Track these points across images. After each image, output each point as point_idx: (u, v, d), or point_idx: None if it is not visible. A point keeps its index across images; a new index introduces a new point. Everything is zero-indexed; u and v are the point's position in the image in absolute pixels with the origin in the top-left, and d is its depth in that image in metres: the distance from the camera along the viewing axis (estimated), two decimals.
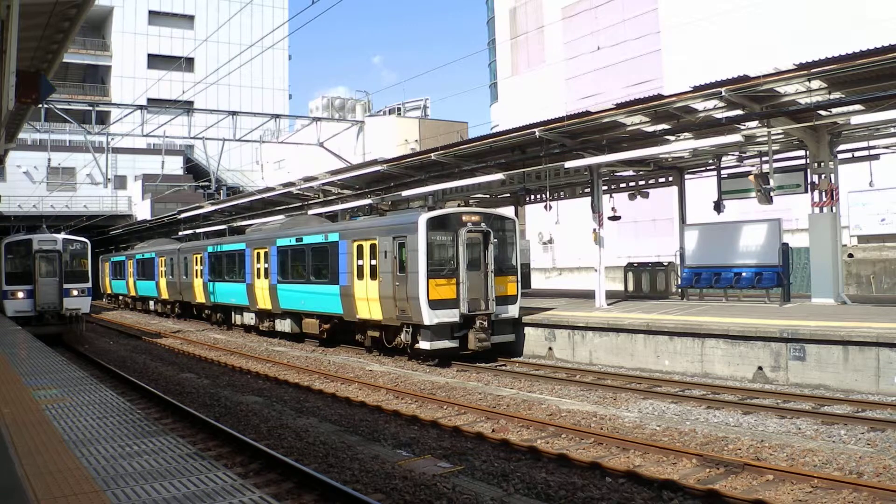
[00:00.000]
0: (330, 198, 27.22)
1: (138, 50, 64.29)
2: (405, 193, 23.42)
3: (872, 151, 18.70)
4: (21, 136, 20.14)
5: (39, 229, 27.66)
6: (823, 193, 17.21)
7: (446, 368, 16.30)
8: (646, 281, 23.11)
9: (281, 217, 28.17)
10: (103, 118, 48.64)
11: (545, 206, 21.16)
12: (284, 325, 22.65)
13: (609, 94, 35.21)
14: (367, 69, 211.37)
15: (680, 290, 21.52)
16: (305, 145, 35.80)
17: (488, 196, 26.04)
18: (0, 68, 8.73)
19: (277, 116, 36.54)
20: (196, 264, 29.91)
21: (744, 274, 19.17)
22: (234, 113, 31.22)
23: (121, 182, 54.50)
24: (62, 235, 26.31)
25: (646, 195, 22.30)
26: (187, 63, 60.07)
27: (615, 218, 21.54)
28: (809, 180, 17.55)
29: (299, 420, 11.25)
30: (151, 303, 37.44)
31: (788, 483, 7.55)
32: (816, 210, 17.50)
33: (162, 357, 20.40)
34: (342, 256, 19.03)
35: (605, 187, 20.79)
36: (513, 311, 17.35)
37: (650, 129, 16.73)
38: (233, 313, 26.95)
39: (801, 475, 7.60)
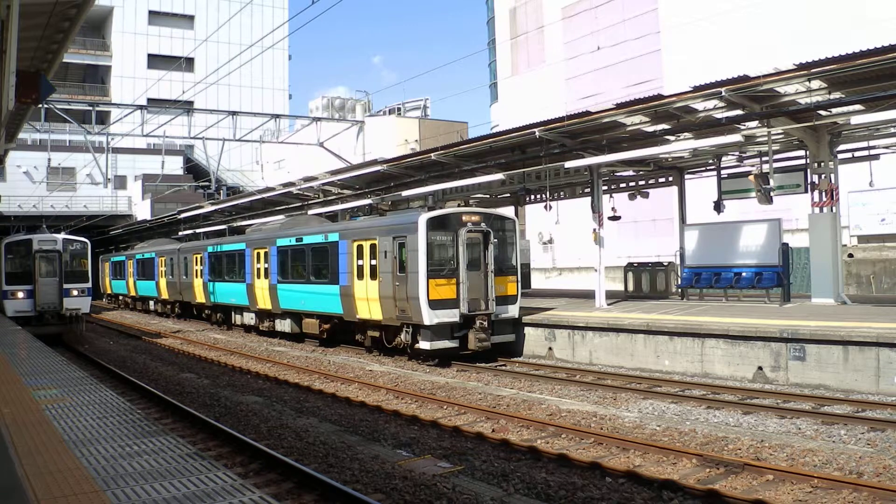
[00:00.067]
0: (330, 198, 27.22)
1: (138, 50, 64.30)
2: (405, 193, 23.42)
3: (872, 151, 18.70)
4: (21, 136, 20.14)
5: (39, 229, 27.66)
6: (823, 193, 17.21)
7: (446, 368, 16.30)
8: (646, 281, 23.12)
9: (281, 217, 28.17)
10: (103, 118, 48.65)
11: (545, 206, 21.16)
12: (284, 325, 22.65)
13: (609, 94, 35.21)
14: (367, 69, 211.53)
15: (680, 290, 21.52)
16: (305, 145, 35.81)
17: (488, 196, 26.05)
18: (0, 68, 8.73)
19: (277, 116, 36.55)
20: (196, 264, 29.92)
21: (744, 274, 19.17)
22: (234, 113, 31.23)
23: (121, 182, 54.51)
24: (62, 235, 26.31)
25: (646, 195, 22.30)
26: (187, 63, 60.07)
27: (615, 218, 21.54)
28: (809, 180, 17.55)
29: (299, 420, 11.25)
30: (151, 303, 37.45)
31: (788, 483, 7.55)
32: (816, 210, 17.50)
33: (162, 357, 20.40)
34: (342, 256, 19.03)
35: (605, 187, 20.79)
36: (513, 311, 17.35)
37: (650, 129, 16.73)
38: (233, 313, 26.95)
39: (801, 475, 7.60)
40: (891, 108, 13.19)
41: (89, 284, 25.63)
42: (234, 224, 34.49)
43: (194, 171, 59.15)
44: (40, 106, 25.19)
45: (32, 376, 10.71)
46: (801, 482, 7.50)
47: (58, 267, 24.63)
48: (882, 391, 11.58)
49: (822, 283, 17.36)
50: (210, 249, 28.33)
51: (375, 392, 13.65)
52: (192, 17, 66.71)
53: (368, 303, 17.89)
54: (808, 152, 17.56)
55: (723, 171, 20.12)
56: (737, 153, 19.20)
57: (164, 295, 34.75)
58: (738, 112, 15.07)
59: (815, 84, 13.83)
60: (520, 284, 17.70)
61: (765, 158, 17.13)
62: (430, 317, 15.89)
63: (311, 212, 27.41)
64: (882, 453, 8.44)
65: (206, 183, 43.76)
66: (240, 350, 20.84)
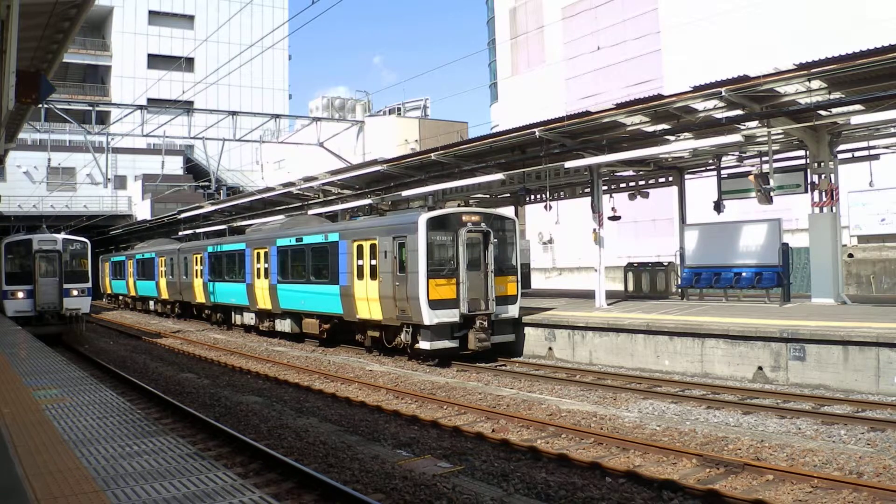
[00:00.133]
0: (330, 198, 27.22)
1: (138, 50, 64.31)
2: (405, 193, 23.42)
3: (872, 151, 18.70)
4: (21, 136, 20.14)
5: (39, 229, 27.66)
6: (823, 193, 17.21)
7: (446, 368, 16.30)
8: (646, 281, 23.12)
9: (281, 217, 28.17)
10: (103, 118, 48.66)
11: (545, 206, 21.16)
12: (284, 325, 22.65)
13: (609, 94, 35.24)
14: (367, 69, 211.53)
15: (680, 290, 21.52)
16: (305, 145, 35.76)
17: (488, 196, 26.04)
18: (0, 68, 8.73)
19: (277, 116, 36.48)
20: (196, 264, 29.92)
21: (744, 274, 19.17)
22: (234, 113, 31.18)
23: (121, 182, 54.51)
24: (62, 235, 26.31)
25: (646, 195, 22.30)
26: (187, 63, 60.08)
27: (615, 218, 21.54)
28: (809, 180, 17.55)
29: (299, 420, 11.25)
30: (151, 303, 37.45)
31: (788, 483, 7.55)
32: (816, 210, 17.50)
33: (162, 357, 20.40)
34: (342, 256, 19.03)
35: (605, 187, 20.79)
36: (513, 311, 17.35)
37: (650, 129, 16.72)
38: (233, 313, 26.95)
39: (801, 475, 7.60)
40: (891, 108, 13.19)
41: (89, 284, 25.63)
42: (234, 224, 34.49)
43: (194, 171, 59.15)
44: (40, 106, 25.17)
45: (32, 376, 10.71)
46: (801, 482, 7.50)
47: (58, 267, 24.64)
48: (882, 391, 11.58)
49: (822, 283, 17.36)
50: (210, 249, 28.34)
51: (375, 392, 13.65)
52: (192, 17, 66.71)
53: (368, 303, 17.89)
54: (808, 152, 17.56)
55: (723, 171, 20.12)
56: (737, 153, 19.19)
57: (164, 295, 34.75)
58: (738, 112, 15.07)
59: (815, 84, 13.83)
60: (520, 284, 17.70)
61: (765, 158, 17.13)
62: (430, 317, 15.89)
63: (311, 212, 27.41)
64: (882, 453, 8.43)
65: (206, 183, 43.73)
66: (240, 350, 20.84)
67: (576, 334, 16.58)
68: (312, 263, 20.82)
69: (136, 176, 55.45)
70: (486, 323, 16.38)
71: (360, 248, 18.34)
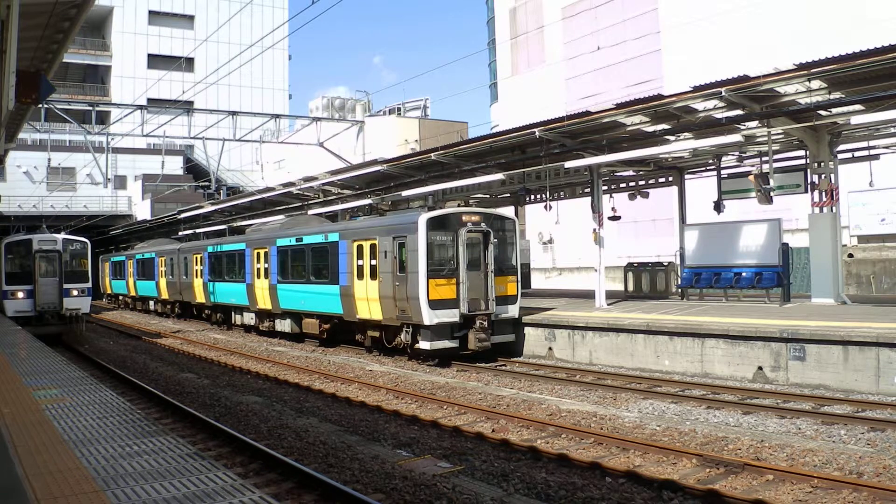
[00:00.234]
0: (330, 198, 27.22)
1: (138, 50, 64.31)
2: (405, 193, 23.42)
3: (872, 151, 18.70)
4: (21, 136, 20.14)
5: (39, 229, 27.66)
6: (823, 193, 17.21)
7: (446, 368, 16.30)
8: (646, 281, 23.12)
9: (281, 217, 28.17)
10: (103, 118, 48.66)
11: (545, 206, 21.16)
12: (284, 325, 22.65)
13: (609, 94, 35.24)
14: (367, 69, 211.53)
15: (680, 290, 21.52)
16: (305, 145, 35.76)
17: (488, 196, 26.04)
18: (0, 68, 8.73)
19: (277, 116, 36.48)
20: (196, 264, 29.92)
21: (744, 274, 19.17)
22: (234, 113, 31.18)
23: (121, 182, 54.51)
24: (62, 235, 26.31)
25: (646, 195, 22.30)
26: (187, 63, 60.07)
27: (615, 218, 21.54)
28: (809, 180, 17.55)
29: (299, 420, 11.25)
30: (151, 303, 37.45)
31: (788, 483, 7.55)
32: (816, 210, 17.50)
33: (162, 357, 20.40)
34: (342, 256, 19.03)
35: (605, 187, 20.79)
36: (513, 311, 17.35)
37: (650, 129, 16.72)
38: (233, 313, 26.95)
39: (801, 475, 7.60)
40: (891, 108, 13.19)
41: (89, 284, 25.63)
42: (234, 224, 34.49)
43: (194, 171, 59.14)
44: (40, 106, 25.17)
45: (32, 376, 10.71)
46: (801, 482, 7.50)
47: (58, 267, 24.64)
48: (882, 391, 11.58)
49: (822, 283, 17.36)
50: (210, 249, 28.34)
51: (375, 392, 13.65)
52: (192, 17, 66.72)
53: (368, 303, 17.89)
54: (808, 152, 17.56)
55: (723, 171, 20.12)
56: (737, 153, 19.20)
57: (164, 295, 34.75)
58: (738, 112, 15.07)
59: (815, 84, 13.83)
60: (520, 284, 17.70)
61: (765, 158, 17.13)
62: (430, 317, 15.89)
63: (311, 212, 27.41)
64: (882, 453, 8.43)
65: (206, 183, 43.74)
66: (240, 350, 20.84)
67: (576, 334, 16.58)
68: (312, 263, 20.82)
69: (136, 176, 55.46)
70: (486, 323, 16.38)
71: (360, 248, 18.34)
